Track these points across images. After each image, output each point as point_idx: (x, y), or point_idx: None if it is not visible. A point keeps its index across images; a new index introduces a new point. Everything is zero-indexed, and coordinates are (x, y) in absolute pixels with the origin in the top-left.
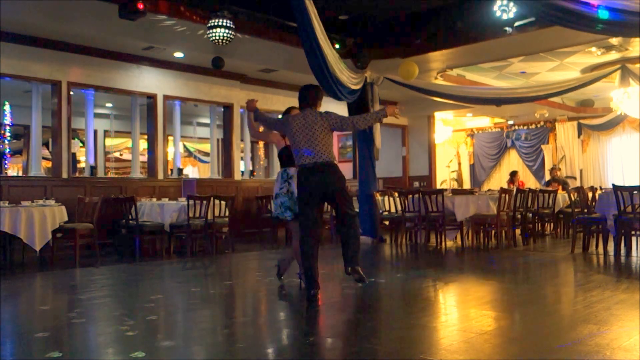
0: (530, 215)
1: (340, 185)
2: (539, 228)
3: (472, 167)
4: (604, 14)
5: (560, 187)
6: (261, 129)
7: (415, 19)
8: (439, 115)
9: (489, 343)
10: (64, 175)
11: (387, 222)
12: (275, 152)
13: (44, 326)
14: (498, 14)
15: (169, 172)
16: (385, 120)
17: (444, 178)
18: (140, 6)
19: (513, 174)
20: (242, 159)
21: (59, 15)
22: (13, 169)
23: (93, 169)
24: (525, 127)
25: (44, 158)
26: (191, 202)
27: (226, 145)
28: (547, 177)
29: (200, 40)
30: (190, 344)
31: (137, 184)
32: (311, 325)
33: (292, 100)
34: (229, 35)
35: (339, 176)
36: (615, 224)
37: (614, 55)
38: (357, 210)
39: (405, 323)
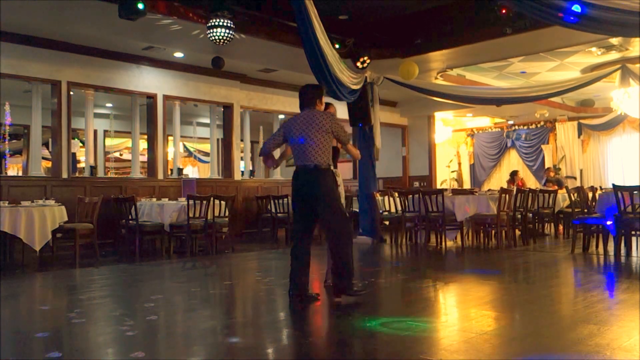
0: (531, 215)
1: (322, 191)
2: (539, 228)
3: (472, 167)
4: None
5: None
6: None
7: (415, 19)
8: (439, 115)
9: (489, 343)
10: (64, 175)
11: (387, 222)
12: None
13: (44, 326)
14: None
15: (169, 172)
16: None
17: (444, 178)
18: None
19: (513, 174)
20: (242, 159)
21: (59, 15)
22: (13, 169)
23: (93, 169)
24: (525, 127)
25: (44, 158)
26: (191, 202)
27: (226, 145)
28: None
29: (200, 40)
30: (190, 344)
31: (137, 184)
32: (311, 326)
33: (292, 100)
34: (229, 35)
35: (321, 182)
36: (615, 224)
37: (614, 55)
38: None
39: (405, 323)
